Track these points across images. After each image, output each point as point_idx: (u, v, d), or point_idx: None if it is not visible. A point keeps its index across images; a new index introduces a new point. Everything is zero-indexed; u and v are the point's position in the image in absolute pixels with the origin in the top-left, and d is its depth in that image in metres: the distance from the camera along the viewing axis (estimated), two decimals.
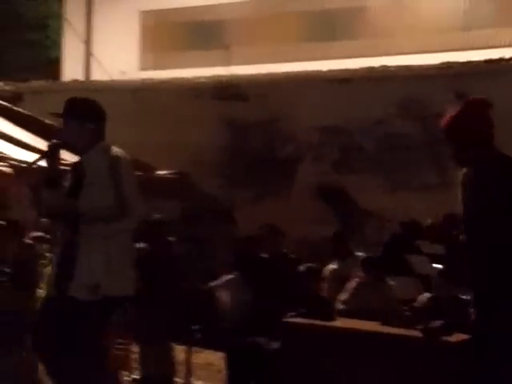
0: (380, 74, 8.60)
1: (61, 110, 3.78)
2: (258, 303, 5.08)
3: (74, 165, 3.77)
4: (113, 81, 10.45)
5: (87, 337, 3.59)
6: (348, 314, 4.72)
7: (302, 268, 5.34)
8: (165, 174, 7.43)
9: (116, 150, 3.70)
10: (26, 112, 6.33)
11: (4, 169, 4.98)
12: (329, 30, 10.67)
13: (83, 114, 3.75)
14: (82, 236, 3.60)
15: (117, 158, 3.66)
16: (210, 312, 5.36)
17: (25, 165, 5.07)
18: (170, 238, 5.97)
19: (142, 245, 5.45)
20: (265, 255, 5.72)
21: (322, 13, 10.73)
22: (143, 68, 11.59)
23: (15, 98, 9.01)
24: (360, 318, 4.42)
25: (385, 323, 4.12)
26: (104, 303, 3.57)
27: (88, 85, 10.42)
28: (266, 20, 11.08)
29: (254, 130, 8.82)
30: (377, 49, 9.82)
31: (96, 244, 3.59)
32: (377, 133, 8.42)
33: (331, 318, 4.40)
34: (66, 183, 3.69)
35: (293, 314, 4.51)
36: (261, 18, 11.12)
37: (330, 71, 8.84)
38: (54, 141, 3.74)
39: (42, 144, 5.50)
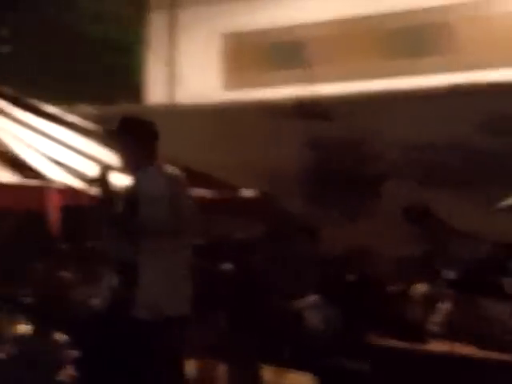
0: (466, 90, 8.42)
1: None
2: (346, 325, 5.02)
3: (129, 184, 3.79)
4: (196, 103, 10.57)
5: (151, 361, 3.54)
6: (441, 336, 4.60)
7: (390, 289, 5.25)
8: (248, 194, 7.43)
9: (170, 168, 3.69)
10: (112, 134, 6.42)
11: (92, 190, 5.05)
12: (413, 46, 10.53)
13: (137, 133, 3.77)
14: (140, 255, 3.61)
15: (171, 177, 3.69)
16: (298, 333, 5.32)
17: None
18: (255, 259, 5.97)
19: (227, 266, 5.47)
20: (351, 276, 5.65)
21: (405, 29, 10.60)
22: (226, 89, 11.69)
23: (101, 121, 9.20)
24: (454, 340, 4.30)
25: (481, 347, 3.99)
26: (166, 323, 3.53)
27: (171, 107, 10.58)
28: (348, 38, 11.03)
29: (338, 149, 8.76)
30: (463, 64, 9.61)
31: (154, 262, 3.59)
32: (464, 150, 8.23)
33: (422, 341, 4.29)
34: (122, 203, 3.72)
35: (382, 336, 4.43)
36: (343, 36, 11.08)
37: (414, 88, 8.70)
38: (107, 162, 3.80)
39: None
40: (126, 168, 3.75)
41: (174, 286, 3.55)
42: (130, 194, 3.65)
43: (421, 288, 5.67)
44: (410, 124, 8.34)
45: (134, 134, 3.71)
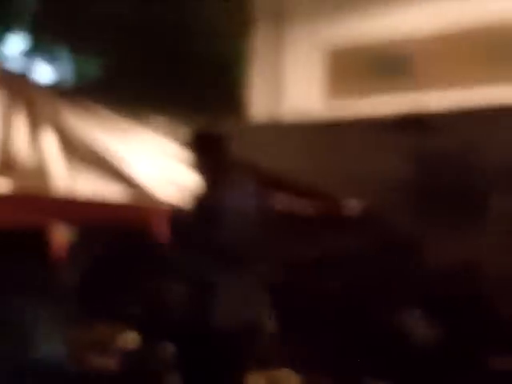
0: None
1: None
2: (454, 345, 4.90)
3: (211, 201, 3.77)
4: (298, 116, 10.62)
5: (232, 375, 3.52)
6: None
7: (500, 307, 5.10)
8: (352, 208, 7.41)
9: (248, 182, 3.66)
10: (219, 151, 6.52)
11: None
12: None
13: (207, 149, 3.75)
14: (222, 272, 3.57)
15: (249, 192, 3.62)
16: (400, 348, 5.25)
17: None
18: (359, 273, 5.92)
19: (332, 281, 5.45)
20: (457, 293, 5.52)
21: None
22: (329, 103, 11.70)
23: (204, 137, 9.33)
24: None
25: None
26: (244, 336, 3.52)
27: (276, 122, 10.67)
28: (453, 50, 10.84)
29: (442, 163, 8.59)
30: None
31: (235, 278, 3.54)
32: None
33: None
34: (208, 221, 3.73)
35: (498, 359, 4.29)
36: (447, 48, 10.89)
37: None
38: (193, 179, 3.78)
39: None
40: (206, 184, 3.75)
41: (253, 301, 3.53)
42: (209, 210, 3.67)
43: None
44: None
45: (205, 150, 3.72)
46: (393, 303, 6.80)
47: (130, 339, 5.15)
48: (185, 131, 8.60)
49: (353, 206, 7.57)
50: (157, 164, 5.60)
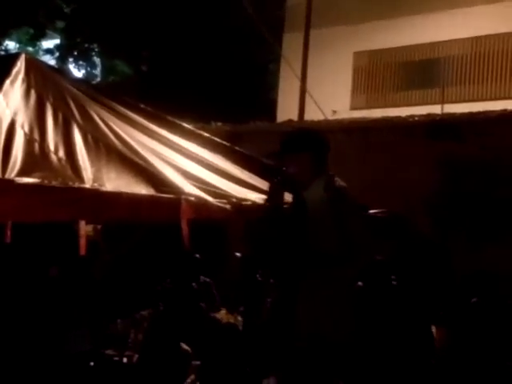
0: None
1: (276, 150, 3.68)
2: (476, 351, 4.89)
3: (296, 202, 3.57)
4: (326, 120, 10.65)
5: None
6: None
7: None
8: (377, 213, 7.39)
9: (340, 183, 3.47)
10: (245, 152, 6.60)
11: (224, 205, 5.21)
12: None
13: (300, 145, 3.60)
14: (303, 279, 3.36)
15: (339, 194, 3.40)
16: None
17: (245, 202, 5.31)
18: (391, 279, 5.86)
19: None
20: (476, 300, 5.51)
21: None
22: (354, 107, 11.71)
23: (235, 138, 9.43)
24: None
25: None
26: (326, 352, 3.33)
27: (301, 124, 10.70)
28: (482, 57, 10.81)
29: (469, 171, 8.52)
30: None
31: (316, 289, 3.34)
32: None
33: None
34: (288, 222, 3.49)
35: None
36: (477, 55, 10.86)
37: None
38: (278, 179, 3.59)
39: (259, 182, 5.73)
40: (295, 185, 3.54)
41: (336, 315, 3.28)
42: (296, 213, 3.47)
43: None
44: None
45: (298, 146, 3.53)
46: (416, 306, 6.80)
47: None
48: (218, 132, 8.70)
49: (379, 211, 7.55)
50: (187, 162, 5.66)
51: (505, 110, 8.58)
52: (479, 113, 8.78)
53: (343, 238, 3.24)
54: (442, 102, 10.19)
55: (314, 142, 3.62)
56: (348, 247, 3.22)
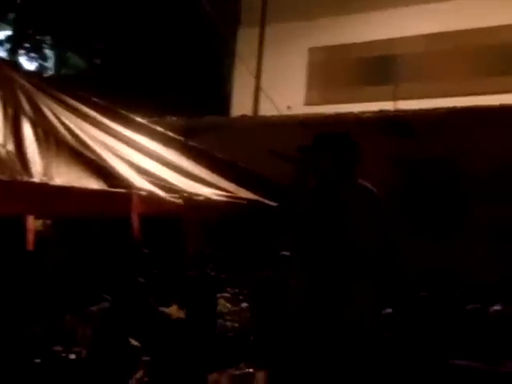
0: None
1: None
2: (419, 342, 4.98)
3: (327, 199, 3.69)
4: (280, 115, 10.67)
5: None
6: None
7: (467, 308, 5.19)
8: None
9: (369, 186, 3.70)
10: (198, 146, 6.58)
11: (175, 200, 5.19)
12: (502, 63, 10.34)
13: (336, 148, 3.70)
14: (333, 277, 3.47)
15: (374, 196, 3.62)
16: None
17: (198, 197, 5.31)
18: None
19: None
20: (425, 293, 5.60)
21: (494, 46, 10.43)
22: (309, 103, 11.76)
23: (190, 132, 9.39)
24: None
25: None
26: (358, 346, 3.45)
27: (255, 119, 10.72)
28: (435, 54, 10.93)
29: (423, 167, 8.60)
30: None
31: (347, 286, 3.45)
32: None
33: (498, 363, 4.23)
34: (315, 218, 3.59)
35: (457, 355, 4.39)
36: (430, 52, 10.99)
37: (503, 105, 8.49)
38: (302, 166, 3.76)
39: (212, 177, 5.73)
40: (324, 182, 3.64)
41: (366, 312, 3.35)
42: (329, 210, 3.53)
43: (496, 308, 5.57)
44: (496, 143, 8.15)
45: (334, 149, 3.68)
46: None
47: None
48: (171, 126, 8.64)
49: None
50: (139, 156, 5.63)
51: (454, 107, 8.70)
52: (430, 110, 8.88)
53: (380, 238, 3.45)
54: (395, 98, 10.29)
55: (343, 145, 3.77)
56: (384, 245, 3.46)
